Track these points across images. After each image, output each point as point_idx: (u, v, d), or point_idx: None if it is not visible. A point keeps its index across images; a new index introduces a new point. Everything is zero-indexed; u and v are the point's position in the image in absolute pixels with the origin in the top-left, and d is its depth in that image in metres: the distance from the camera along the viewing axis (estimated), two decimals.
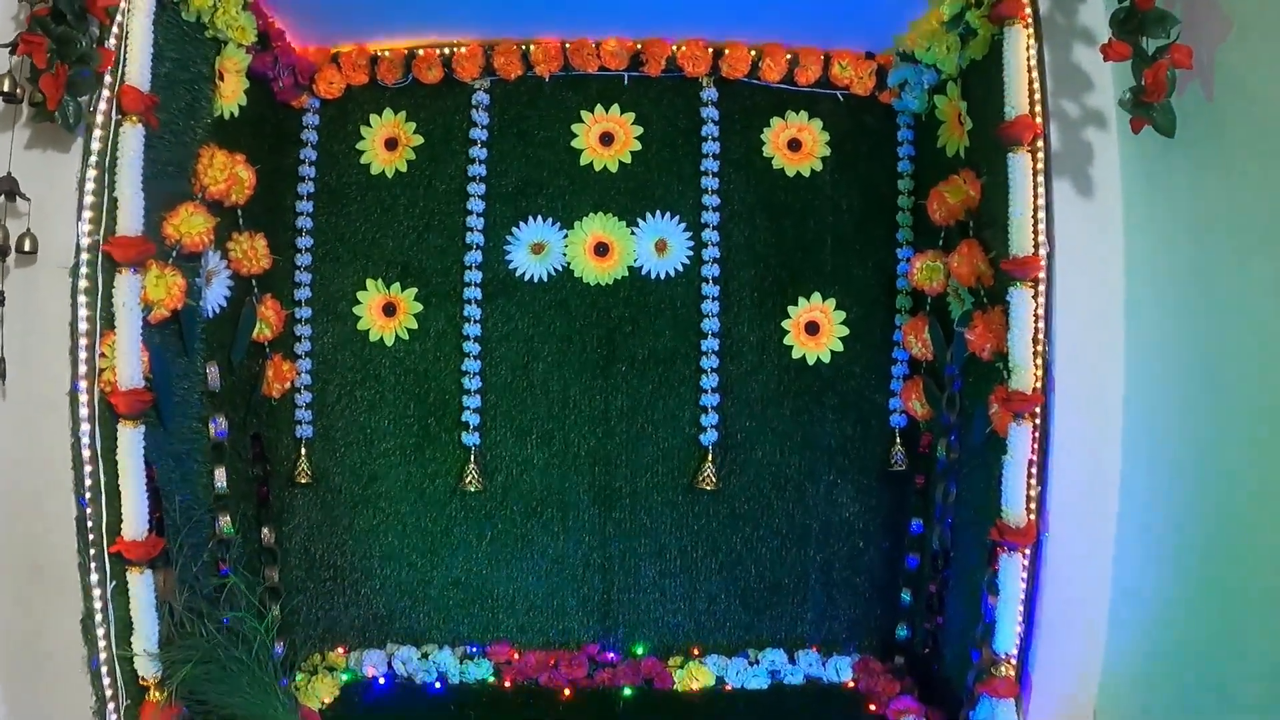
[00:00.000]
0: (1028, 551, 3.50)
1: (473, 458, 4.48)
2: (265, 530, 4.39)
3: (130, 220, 3.24)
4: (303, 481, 4.51)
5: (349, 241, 4.57)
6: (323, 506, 4.55)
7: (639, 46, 4.47)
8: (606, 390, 4.52)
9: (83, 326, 3.19)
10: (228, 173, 3.85)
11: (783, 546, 4.53)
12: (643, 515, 4.52)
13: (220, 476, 3.96)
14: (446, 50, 4.51)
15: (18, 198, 3.17)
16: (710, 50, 4.48)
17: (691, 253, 4.53)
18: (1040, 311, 3.51)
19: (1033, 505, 3.50)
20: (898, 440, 4.53)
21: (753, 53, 4.49)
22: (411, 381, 4.54)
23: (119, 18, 3.27)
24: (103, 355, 3.22)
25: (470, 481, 4.46)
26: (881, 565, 4.56)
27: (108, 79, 3.23)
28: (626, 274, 4.53)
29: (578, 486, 4.52)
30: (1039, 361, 3.49)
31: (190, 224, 3.62)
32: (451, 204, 4.55)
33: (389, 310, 4.54)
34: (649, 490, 4.51)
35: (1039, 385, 3.49)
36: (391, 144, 4.58)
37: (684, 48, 4.46)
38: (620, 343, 4.52)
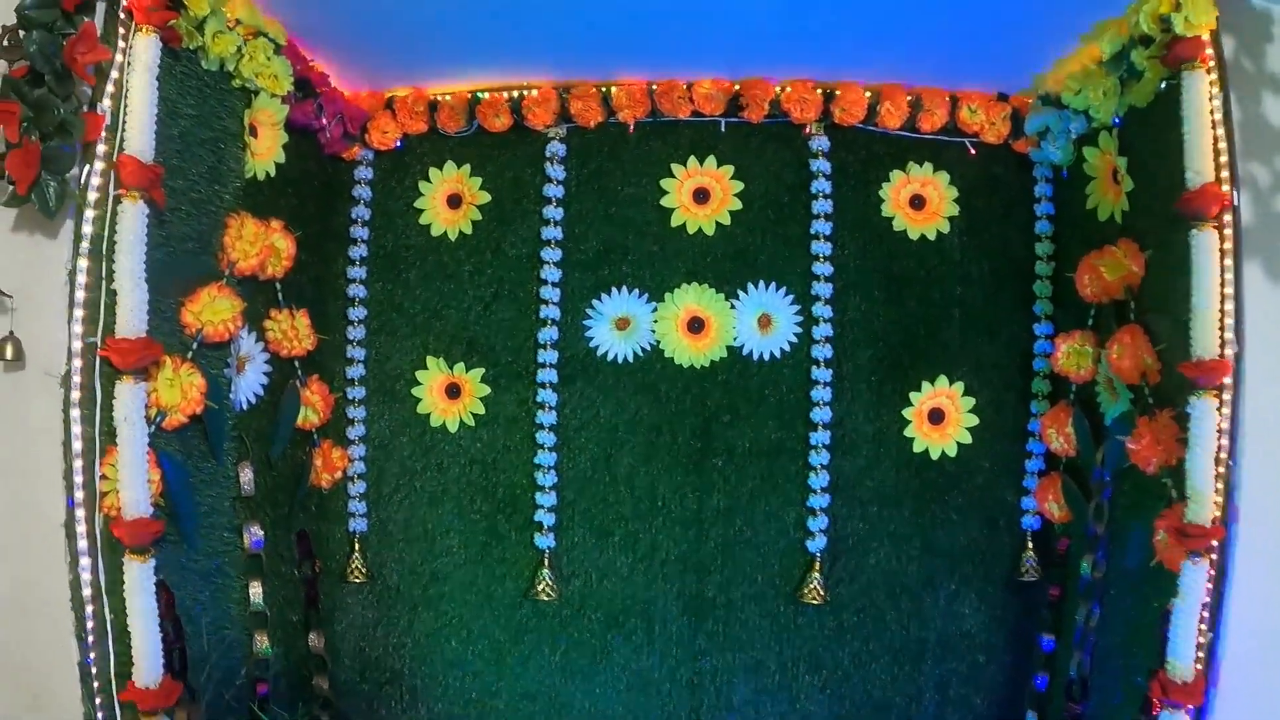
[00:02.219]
0: (1191, 708, 2.78)
1: (546, 562, 3.77)
2: (313, 636, 3.72)
3: (132, 317, 2.64)
4: (356, 580, 3.85)
5: (407, 313, 3.89)
6: (378, 606, 3.88)
7: (737, 88, 3.72)
8: (700, 487, 3.77)
9: (77, 446, 2.58)
10: (261, 244, 3.23)
11: (895, 662, 3.77)
12: (738, 628, 3.77)
13: (256, 592, 3.32)
14: (515, 94, 3.79)
15: None
16: (820, 92, 3.71)
17: (800, 330, 3.76)
18: (1224, 426, 2.74)
19: (1201, 655, 2.76)
20: (1029, 545, 3.75)
21: (869, 94, 3.71)
22: (478, 473, 3.84)
23: (115, 74, 2.64)
24: (104, 477, 2.61)
25: (543, 590, 3.75)
26: (1005, 684, 3.79)
27: (102, 148, 2.61)
28: (725, 354, 3.78)
29: (665, 595, 3.78)
30: (1220, 486, 2.74)
31: (214, 310, 3.00)
32: (523, 271, 3.84)
33: (452, 392, 3.84)
34: (746, 600, 3.77)
35: (1219, 516, 2.73)
36: (454, 201, 3.87)
37: (789, 89, 3.69)
38: (717, 433, 3.77)
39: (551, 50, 3.57)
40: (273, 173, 3.38)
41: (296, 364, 3.59)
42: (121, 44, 2.67)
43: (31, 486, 2.64)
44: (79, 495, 2.57)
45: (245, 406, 3.32)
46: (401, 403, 3.88)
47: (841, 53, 3.53)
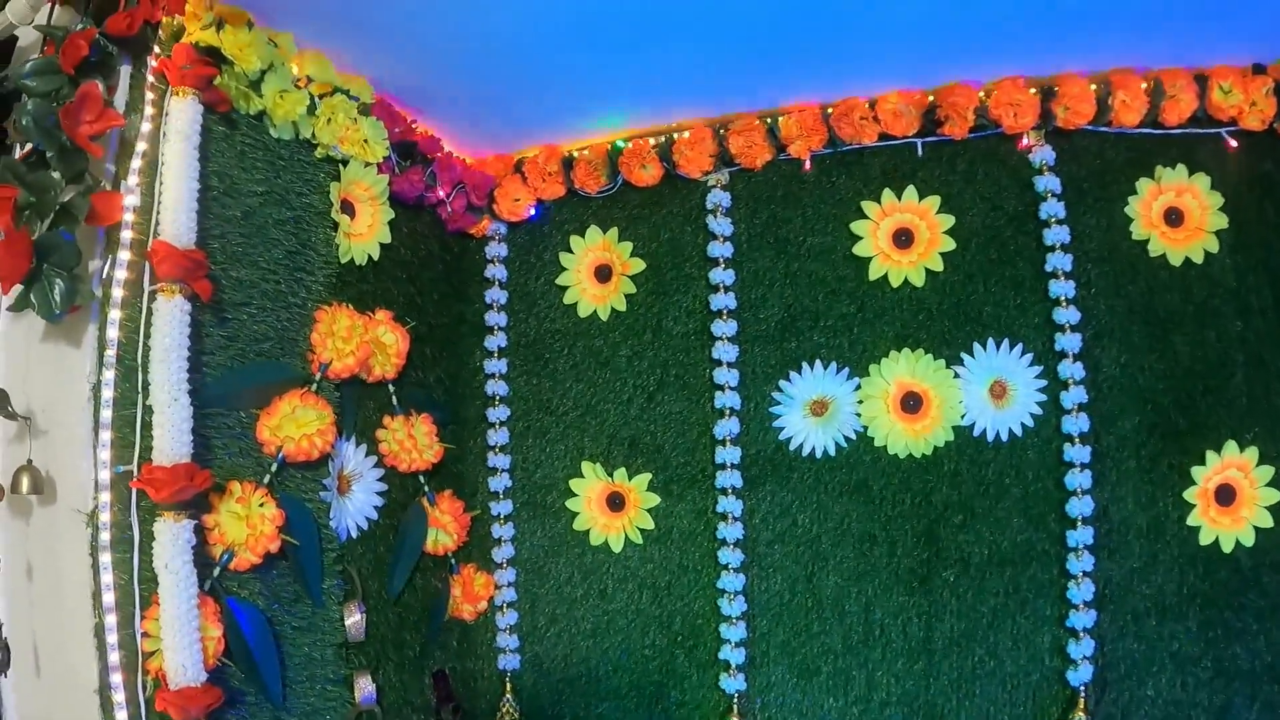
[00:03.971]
0: None
1: (735, 708, 2.84)
2: None
3: (170, 439, 1.99)
4: None
5: (556, 412, 3.06)
6: None
7: (931, 99, 2.78)
8: (928, 609, 2.76)
9: (108, 598, 1.95)
10: (359, 340, 2.49)
11: None
12: None
13: None
14: (662, 138, 2.94)
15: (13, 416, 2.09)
16: (1034, 91, 2.73)
17: (1044, 397, 2.74)
18: None
19: None
20: None
21: (1095, 86, 2.72)
22: (649, 600, 2.95)
23: (143, 145, 2.05)
24: (147, 635, 1.97)
25: None
26: None
27: (128, 234, 2.01)
28: (951, 437, 2.78)
29: None
30: None
31: (297, 422, 2.31)
32: (691, 351, 2.96)
33: (615, 503, 2.98)
34: None
35: None
36: (603, 274, 3.04)
37: (996, 91, 2.73)
38: (946, 539, 2.77)
39: (701, 79, 2.70)
40: (376, 255, 2.68)
41: (421, 479, 2.82)
42: (151, 110, 2.08)
43: (64, 646, 2.02)
44: (114, 656, 1.93)
45: (354, 534, 2.60)
46: (555, 518, 3.04)
47: (1054, 36, 2.56)
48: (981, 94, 2.77)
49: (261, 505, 2.19)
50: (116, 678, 1.93)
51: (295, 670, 2.33)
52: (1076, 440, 2.69)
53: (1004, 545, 2.73)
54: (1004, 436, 2.75)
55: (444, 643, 2.95)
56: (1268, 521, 2.65)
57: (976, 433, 2.77)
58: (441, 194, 2.87)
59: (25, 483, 2.02)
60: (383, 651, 2.68)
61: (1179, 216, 2.75)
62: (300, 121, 2.39)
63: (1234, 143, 2.75)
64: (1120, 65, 2.73)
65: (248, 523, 2.16)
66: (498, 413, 3.07)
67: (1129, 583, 2.69)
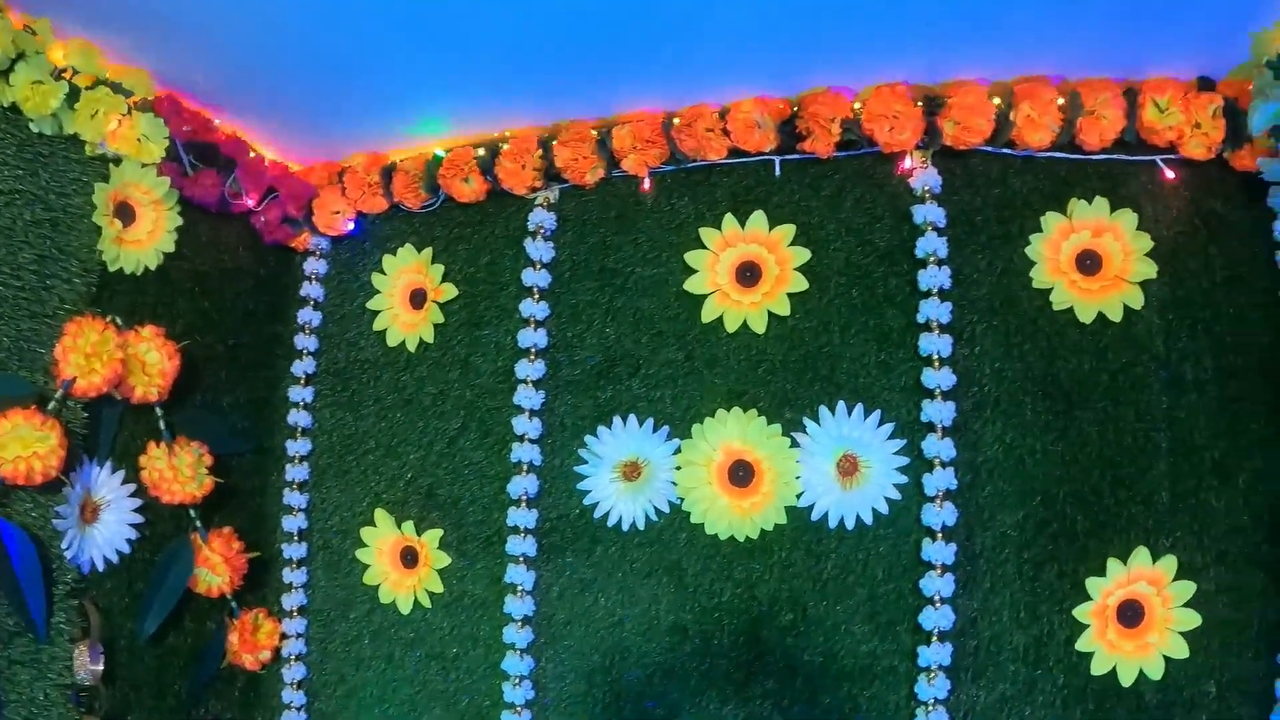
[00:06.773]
0: None
1: None
2: None
3: None
4: None
5: (358, 450, 2.17)
6: None
7: (794, 108, 1.84)
8: None
9: None
10: (108, 357, 1.76)
11: None
12: None
13: None
14: (488, 149, 2.05)
15: None
16: (919, 102, 1.78)
17: (904, 479, 1.79)
18: None
19: None
20: None
21: (997, 99, 1.76)
22: (435, 672, 2.05)
23: None
24: None
25: None
26: None
27: None
28: (783, 519, 1.83)
29: None
30: None
31: (18, 442, 1.65)
32: (497, 394, 2.05)
33: (408, 558, 2.08)
34: None
35: None
36: (417, 298, 2.14)
37: (873, 100, 1.78)
38: (771, 641, 1.83)
39: (532, 80, 1.87)
40: (154, 265, 1.94)
41: (192, 513, 2.02)
42: None
43: None
44: None
45: (101, 567, 1.86)
46: (348, 568, 2.15)
47: (946, 35, 1.68)
48: (854, 105, 1.81)
49: None
50: None
51: (13, 711, 1.75)
52: (940, 534, 1.71)
53: (841, 655, 1.76)
54: (849, 523, 1.78)
55: (221, 691, 2.11)
56: (1183, 651, 1.66)
57: (816, 516, 1.80)
58: (250, 202, 2.14)
59: None
60: (135, 697, 1.92)
61: (1095, 262, 1.77)
62: (62, 115, 1.70)
63: (1170, 173, 1.77)
64: (1027, 72, 1.77)
65: None
66: (298, 446, 2.20)
67: (996, 715, 1.69)
